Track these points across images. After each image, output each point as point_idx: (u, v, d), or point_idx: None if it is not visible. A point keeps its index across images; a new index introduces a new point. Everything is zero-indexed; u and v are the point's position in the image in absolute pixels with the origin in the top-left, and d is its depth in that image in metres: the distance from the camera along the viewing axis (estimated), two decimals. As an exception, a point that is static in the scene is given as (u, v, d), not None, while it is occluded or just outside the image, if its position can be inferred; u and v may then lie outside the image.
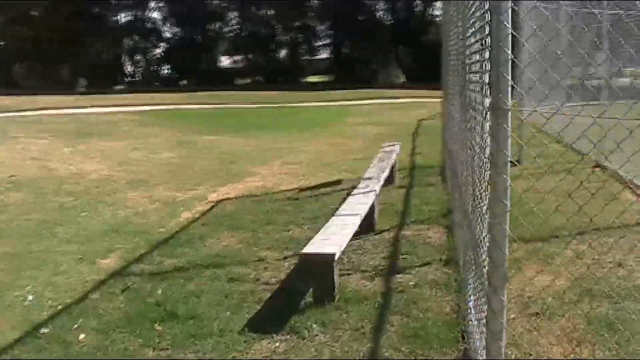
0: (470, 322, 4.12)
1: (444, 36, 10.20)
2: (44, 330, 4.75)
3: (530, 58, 4.59)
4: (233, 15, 52.72)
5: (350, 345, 4.30)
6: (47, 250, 6.87)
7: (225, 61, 53.86)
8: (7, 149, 13.75)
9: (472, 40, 3.87)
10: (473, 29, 3.75)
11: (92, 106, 25.52)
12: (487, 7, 2.84)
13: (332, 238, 5.23)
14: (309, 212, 8.26)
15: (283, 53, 53.94)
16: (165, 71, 51.64)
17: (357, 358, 4.13)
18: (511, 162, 2.83)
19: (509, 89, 2.69)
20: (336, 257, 4.91)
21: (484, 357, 2.98)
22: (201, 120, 22.37)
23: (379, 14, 53.27)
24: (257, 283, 5.70)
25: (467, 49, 4.34)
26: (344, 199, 8.63)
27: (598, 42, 10.36)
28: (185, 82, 49.80)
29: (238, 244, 6.96)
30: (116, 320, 4.91)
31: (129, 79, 50.58)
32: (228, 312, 5.00)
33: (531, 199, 4.79)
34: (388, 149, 10.34)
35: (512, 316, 4.40)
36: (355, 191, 7.23)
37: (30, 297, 5.48)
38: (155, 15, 51.82)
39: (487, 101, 2.98)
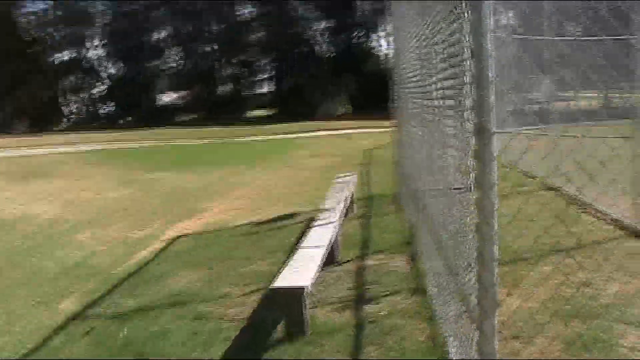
0: (450, 350, 4.10)
1: (395, 66, 10.28)
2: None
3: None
4: (174, 51, 52.54)
5: (329, 379, 4.24)
6: (0, 295, 6.64)
7: (166, 98, 53.52)
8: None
9: (443, 65, 3.86)
10: (443, 54, 3.75)
11: (34, 147, 25.03)
12: (467, 29, 2.84)
13: (300, 271, 5.16)
14: (268, 246, 8.17)
15: (225, 88, 53.84)
16: (106, 110, 50.97)
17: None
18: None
19: (493, 111, 2.69)
20: (307, 290, 4.84)
21: (476, 383, 2.95)
22: (146, 157, 22.08)
23: (321, 46, 53.68)
24: (223, 320, 5.58)
25: (437, 73, 4.32)
26: (303, 232, 8.58)
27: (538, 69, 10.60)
28: (126, 120, 49.20)
29: (199, 281, 6.83)
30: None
31: (70, 118, 49.79)
32: (198, 351, 4.88)
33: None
34: (344, 179, 10.32)
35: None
36: (315, 223, 7.16)
37: (-15, 347, 5.27)
38: (95, 53, 51.28)
39: (468, 125, 2.97)
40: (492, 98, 2.68)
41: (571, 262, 6.34)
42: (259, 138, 28.79)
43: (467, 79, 2.93)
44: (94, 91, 50.94)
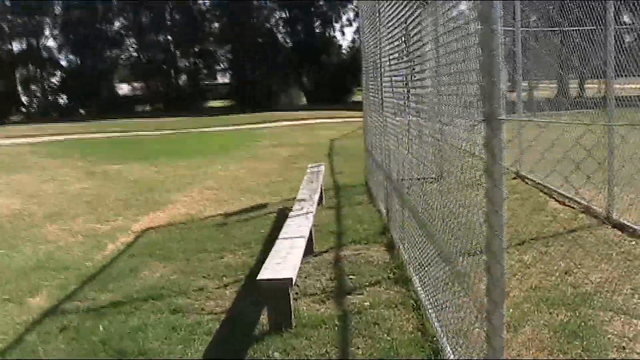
0: (442, 341, 4.05)
1: (365, 56, 10.21)
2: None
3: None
4: (130, 41, 51.94)
5: (318, 372, 4.16)
6: (-33, 293, 6.42)
7: (124, 89, 52.92)
8: None
9: (445, 52, 3.79)
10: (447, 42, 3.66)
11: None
12: (474, 16, 2.77)
13: (285, 262, 5.08)
14: (240, 238, 8.05)
15: (183, 79, 53.42)
16: (63, 100, 50.16)
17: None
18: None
19: (503, 99, 2.64)
20: (293, 282, 4.76)
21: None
22: (106, 149, 21.73)
23: (279, 36, 53.52)
24: (202, 313, 5.47)
25: (436, 62, 4.25)
26: (275, 223, 8.53)
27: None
28: (83, 111, 48.51)
29: (173, 274, 6.69)
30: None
31: (25, 109, 48.89)
32: (180, 346, 4.76)
33: (462, 212, 4.80)
34: (314, 169, 10.25)
35: (475, 330, 4.35)
36: (292, 213, 7.07)
37: (-43, 347, 5.08)
38: (51, 43, 50.41)
39: (475, 113, 2.91)
40: (502, 86, 2.63)
41: (549, 250, 6.38)
42: (220, 129, 28.57)
43: (471, 66, 2.87)
44: (51, 81, 50.12)
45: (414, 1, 4.49)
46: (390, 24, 6.40)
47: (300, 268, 6.25)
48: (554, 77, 10.82)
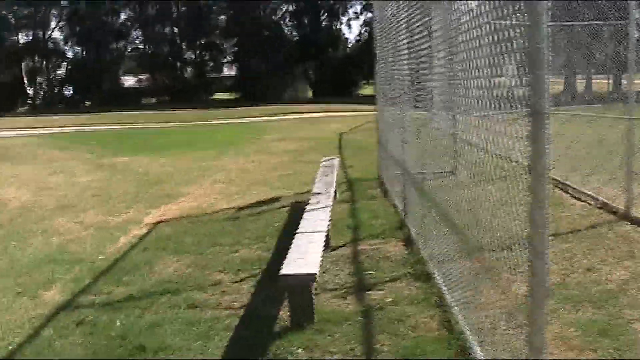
0: (470, 338, 3.98)
1: (380, 49, 10.08)
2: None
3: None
4: (136, 34, 51.89)
5: (344, 370, 4.09)
6: (-20, 287, 6.35)
7: (129, 81, 52.88)
8: None
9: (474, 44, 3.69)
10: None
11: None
12: (520, 7, 2.68)
13: (306, 257, 5.00)
14: (254, 232, 7.96)
15: (188, 71, 53.36)
16: (68, 92, 50.16)
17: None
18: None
19: (547, 93, 2.55)
20: (316, 277, 4.68)
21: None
22: (113, 141, 21.67)
23: (285, 29, 53.41)
24: (219, 309, 5.39)
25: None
26: (289, 217, 8.45)
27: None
28: (88, 103, 48.48)
29: (187, 268, 6.61)
30: (80, 358, 4.53)
31: (31, 101, 48.88)
32: (199, 342, 4.69)
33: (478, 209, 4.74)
34: (327, 163, 10.17)
35: (501, 327, 4.27)
36: (308, 207, 7.00)
37: (-28, 341, 5.00)
38: (56, 34, 50.36)
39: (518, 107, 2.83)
40: (548, 79, 2.54)
41: (570, 247, 6.29)
42: (227, 121, 28.49)
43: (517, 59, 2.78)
44: (57, 72, 50.11)
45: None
46: (413, 17, 6.29)
47: (318, 263, 6.21)
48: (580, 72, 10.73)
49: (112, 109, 38.64)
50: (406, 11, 6.61)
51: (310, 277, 4.63)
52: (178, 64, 52.16)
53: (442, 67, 5.18)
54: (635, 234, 6.80)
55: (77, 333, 4.99)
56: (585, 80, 15.84)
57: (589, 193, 8.55)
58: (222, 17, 52.93)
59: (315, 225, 6.10)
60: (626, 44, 7.58)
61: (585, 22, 8.80)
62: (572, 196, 8.79)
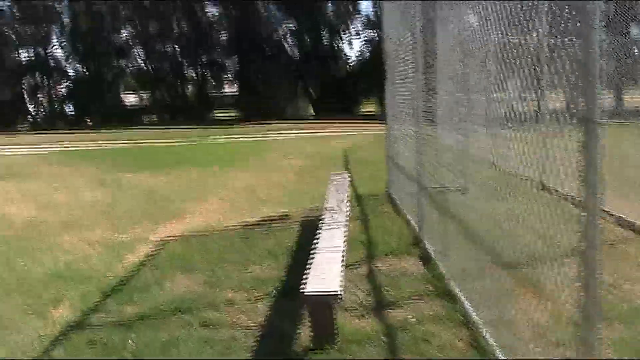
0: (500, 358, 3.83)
1: (392, 65, 9.95)
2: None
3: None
4: (137, 51, 51.93)
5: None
6: (-13, 304, 6.20)
7: (130, 98, 52.90)
8: None
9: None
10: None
11: (-1, 146, 24.46)
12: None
13: (327, 275, 4.85)
14: (264, 249, 7.80)
15: (190, 89, 53.35)
16: (69, 110, 50.14)
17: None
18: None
19: (599, 100, 2.42)
20: (340, 296, 4.53)
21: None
22: (117, 157, 21.52)
23: (287, 47, 53.45)
24: (235, 328, 5.24)
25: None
26: (300, 233, 8.30)
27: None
28: (89, 120, 48.45)
29: (199, 287, 6.46)
30: (94, 380, 4.38)
31: (32, 118, 48.83)
32: (219, 362, 4.53)
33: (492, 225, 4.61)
34: (337, 178, 10.03)
35: (531, 346, 4.11)
36: (322, 224, 6.84)
37: (-20, 363, 4.85)
38: (58, 52, 50.41)
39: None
40: (599, 86, 2.41)
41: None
42: (230, 139, 28.38)
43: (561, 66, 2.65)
44: (58, 90, 50.12)
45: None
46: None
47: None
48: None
49: (112, 126, 38.58)
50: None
51: (334, 295, 4.47)
52: (179, 81, 52.13)
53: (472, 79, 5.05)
54: (656, 250, 6.66)
55: (89, 353, 4.85)
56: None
57: (605, 209, 8.39)
58: (224, 34, 52.98)
59: (332, 243, 5.95)
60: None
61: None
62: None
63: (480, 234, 4.52)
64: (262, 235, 8.60)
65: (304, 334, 4.82)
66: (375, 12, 49.25)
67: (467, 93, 5.19)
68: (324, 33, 52.86)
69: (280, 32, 53.26)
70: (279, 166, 17.20)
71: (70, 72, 50.80)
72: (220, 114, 52.63)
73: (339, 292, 4.52)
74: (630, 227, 7.60)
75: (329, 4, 52.29)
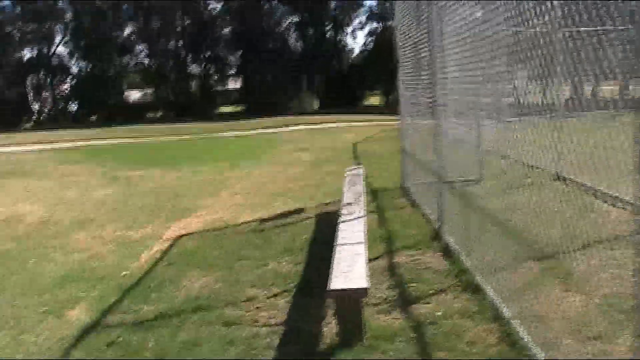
0: (535, 352, 3.70)
1: (405, 56, 9.79)
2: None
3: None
4: (141, 48, 51.84)
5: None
6: (2, 306, 6.07)
7: (134, 95, 52.84)
8: None
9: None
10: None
11: (4, 145, 24.30)
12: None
13: (353, 270, 4.72)
14: (281, 244, 7.68)
15: (193, 84, 53.21)
16: (73, 107, 50.10)
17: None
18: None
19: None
20: (368, 292, 4.40)
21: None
22: (125, 155, 21.38)
23: (290, 41, 53.31)
24: (257, 326, 5.12)
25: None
26: (317, 228, 8.18)
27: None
28: (94, 117, 48.40)
29: (216, 284, 6.34)
30: (117, 382, 4.27)
31: (36, 116, 48.78)
32: (244, 361, 4.42)
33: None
34: (352, 172, 9.91)
35: (568, 342, 3.98)
36: (342, 218, 6.71)
37: (-1, 365, 4.75)
38: (61, 50, 50.33)
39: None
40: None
41: (614, 254, 5.98)
42: (237, 134, 28.25)
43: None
44: (62, 88, 50.09)
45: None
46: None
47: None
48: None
49: (117, 123, 38.52)
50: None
51: (362, 291, 4.35)
52: (183, 77, 52.00)
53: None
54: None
55: (110, 354, 4.74)
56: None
57: (622, 198, 8.23)
58: (227, 29, 52.83)
59: (354, 237, 5.82)
60: None
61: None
62: (604, 201, 8.48)
63: (515, 226, 4.39)
64: (277, 230, 8.48)
65: (329, 331, 4.71)
66: (379, 4, 49.23)
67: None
68: (327, 26, 52.71)
69: (284, 25, 53.12)
70: (289, 160, 17.04)
71: (74, 70, 50.81)
72: (225, 109, 52.49)
73: (367, 289, 4.39)
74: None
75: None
